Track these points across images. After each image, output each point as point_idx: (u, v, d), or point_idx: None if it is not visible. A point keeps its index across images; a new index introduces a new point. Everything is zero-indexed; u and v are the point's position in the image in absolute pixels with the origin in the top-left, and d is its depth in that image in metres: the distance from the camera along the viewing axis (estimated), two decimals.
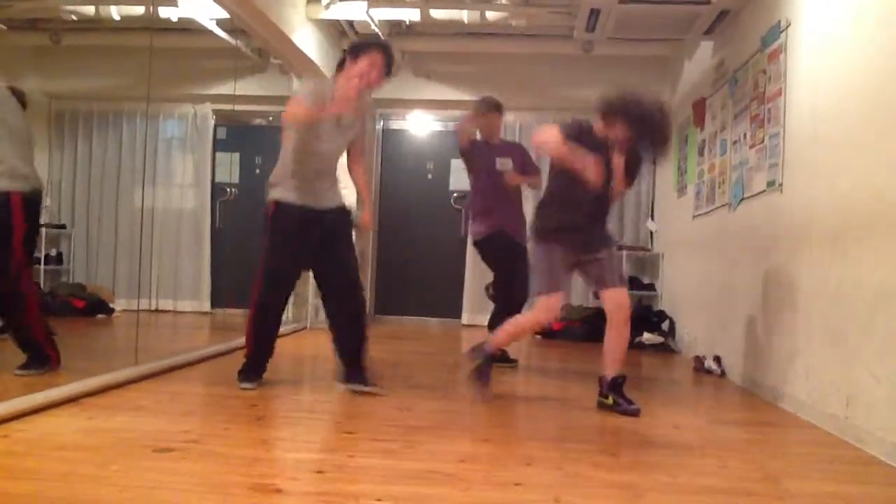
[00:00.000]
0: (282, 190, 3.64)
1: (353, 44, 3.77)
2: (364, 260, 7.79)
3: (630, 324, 3.56)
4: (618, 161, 3.49)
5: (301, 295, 6.60)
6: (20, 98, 3.79)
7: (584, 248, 3.57)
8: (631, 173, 3.61)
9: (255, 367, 3.75)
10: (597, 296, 3.70)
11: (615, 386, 3.50)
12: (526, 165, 5.11)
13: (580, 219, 3.57)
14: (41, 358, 3.67)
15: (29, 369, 3.62)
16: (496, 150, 5.08)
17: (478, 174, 5.07)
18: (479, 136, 5.18)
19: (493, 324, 4.94)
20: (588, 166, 3.32)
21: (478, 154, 5.06)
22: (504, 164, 4.98)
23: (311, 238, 3.66)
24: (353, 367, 3.74)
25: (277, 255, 3.65)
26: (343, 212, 3.80)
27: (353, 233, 3.88)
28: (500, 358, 4.83)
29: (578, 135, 3.46)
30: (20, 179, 3.66)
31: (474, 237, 5.09)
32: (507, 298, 4.89)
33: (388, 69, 3.64)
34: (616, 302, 3.53)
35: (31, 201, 3.71)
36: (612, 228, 7.49)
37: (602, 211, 3.67)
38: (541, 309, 3.58)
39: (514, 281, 4.88)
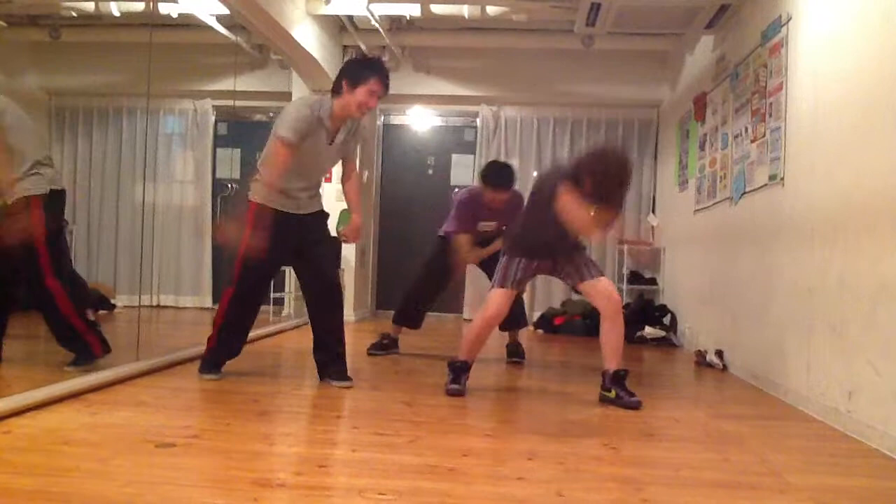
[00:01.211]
0: (264, 194, 3.63)
1: (350, 66, 3.70)
2: (365, 255, 7.79)
3: (622, 313, 3.57)
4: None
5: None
6: None
7: (550, 257, 3.65)
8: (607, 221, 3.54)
9: (216, 359, 3.79)
10: (576, 290, 3.73)
11: (617, 379, 3.50)
12: (510, 218, 4.60)
13: (545, 243, 3.61)
14: (86, 350, 3.68)
15: (78, 364, 3.61)
16: (485, 212, 4.75)
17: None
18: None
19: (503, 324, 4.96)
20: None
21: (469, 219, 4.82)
22: (486, 226, 4.77)
23: (290, 239, 3.69)
24: (329, 362, 3.77)
25: (256, 261, 3.64)
26: (322, 214, 3.85)
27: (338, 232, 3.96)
28: (513, 352, 4.85)
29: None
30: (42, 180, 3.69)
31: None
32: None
33: (385, 92, 3.66)
34: (603, 293, 3.54)
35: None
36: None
37: (569, 242, 3.65)
38: (490, 303, 3.66)
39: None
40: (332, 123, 3.62)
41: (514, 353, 4.87)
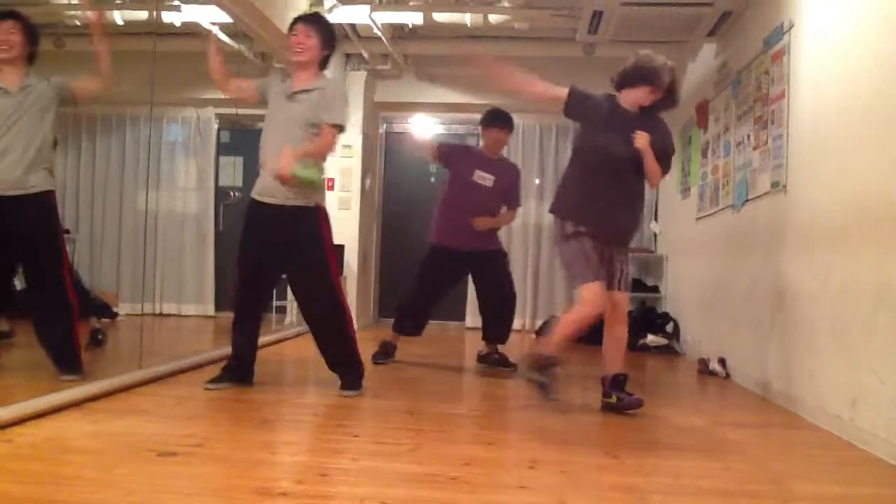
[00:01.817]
0: (257, 182, 3.70)
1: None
2: (367, 262, 7.79)
3: (627, 322, 3.56)
4: (647, 148, 3.44)
5: None
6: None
7: (609, 239, 3.50)
8: (664, 157, 3.54)
9: (225, 369, 3.74)
10: None
11: (617, 383, 3.49)
12: (508, 192, 4.89)
13: (605, 206, 3.47)
14: (78, 361, 3.63)
15: (74, 374, 3.55)
16: (482, 162, 4.85)
17: (451, 182, 4.94)
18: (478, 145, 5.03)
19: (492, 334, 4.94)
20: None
21: (458, 161, 4.90)
22: (483, 178, 4.78)
23: (274, 239, 3.61)
24: (336, 371, 3.75)
25: (241, 256, 3.68)
26: (308, 212, 3.63)
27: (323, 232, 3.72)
28: (499, 362, 4.84)
29: (596, 109, 3.54)
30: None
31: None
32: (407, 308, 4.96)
33: (320, 31, 3.64)
34: (614, 302, 3.51)
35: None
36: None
37: (631, 197, 3.58)
38: (586, 301, 3.40)
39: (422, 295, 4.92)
40: (292, 81, 3.67)
41: (503, 363, 4.83)
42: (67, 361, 3.59)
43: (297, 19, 3.70)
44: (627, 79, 3.55)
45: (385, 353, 4.95)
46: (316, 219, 3.65)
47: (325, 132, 3.55)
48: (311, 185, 3.53)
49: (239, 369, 3.73)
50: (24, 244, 3.55)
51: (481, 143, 4.99)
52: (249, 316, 3.78)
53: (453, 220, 4.81)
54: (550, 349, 3.51)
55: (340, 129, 3.59)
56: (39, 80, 3.68)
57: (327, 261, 3.66)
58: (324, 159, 3.70)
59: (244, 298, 3.77)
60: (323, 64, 3.73)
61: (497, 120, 4.85)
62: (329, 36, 3.71)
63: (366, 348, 5.25)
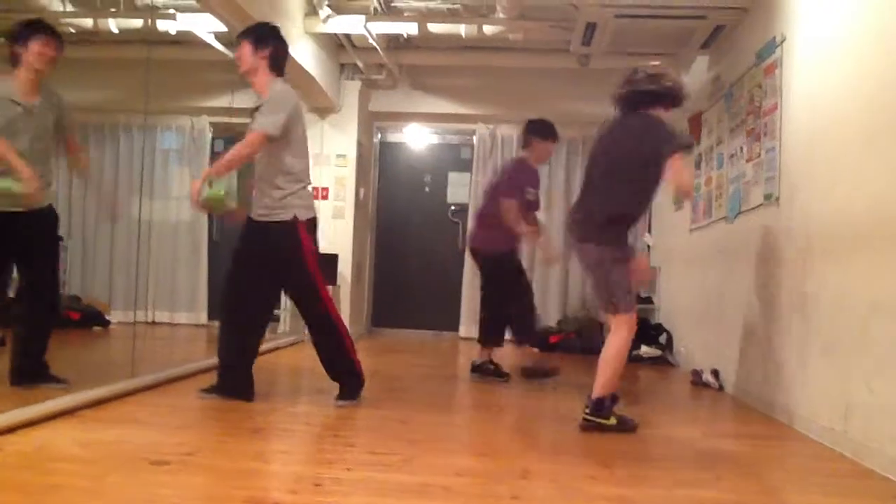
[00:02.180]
0: None
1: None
2: (361, 272, 7.78)
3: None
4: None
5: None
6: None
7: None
8: None
9: (220, 379, 3.68)
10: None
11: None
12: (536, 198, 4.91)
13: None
14: (48, 372, 3.63)
15: (60, 383, 3.56)
16: (531, 179, 4.79)
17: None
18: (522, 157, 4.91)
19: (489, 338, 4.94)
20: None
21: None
22: (532, 194, 4.76)
23: (260, 252, 3.60)
24: (335, 381, 3.73)
25: (230, 265, 3.71)
26: (287, 227, 3.58)
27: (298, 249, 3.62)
28: (494, 372, 4.83)
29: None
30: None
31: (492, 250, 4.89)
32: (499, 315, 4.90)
33: (246, 38, 3.74)
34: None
35: None
36: None
37: None
38: (629, 329, 3.34)
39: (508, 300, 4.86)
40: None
41: (497, 374, 4.81)
42: (37, 369, 3.61)
43: (239, 35, 3.77)
44: (662, 99, 3.42)
45: (545, 373, 4.86)
46: (295, 232, 3.59)
47: (249, 136, 3.57)
48: (221, 204, 3.56)
49: (230, 380, 3.64)
50: (28, 255, 3.61)
51: (530, 153, 4.86)
52: (237, 324, 3.70)
53: (509, 229, 4.74)
54: (605, 390, 3.31)
55: (265, 133, 3.58)
56: (48, 96, 3.73)
57: (310, 273, 3.61)
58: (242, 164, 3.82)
59: (228, 306, 3.73)
60: (274, 66, 3.78)
61: (554, 133, 4.84)
62: (258, 36, 3.70)
63: (361, 358, 5.25)
